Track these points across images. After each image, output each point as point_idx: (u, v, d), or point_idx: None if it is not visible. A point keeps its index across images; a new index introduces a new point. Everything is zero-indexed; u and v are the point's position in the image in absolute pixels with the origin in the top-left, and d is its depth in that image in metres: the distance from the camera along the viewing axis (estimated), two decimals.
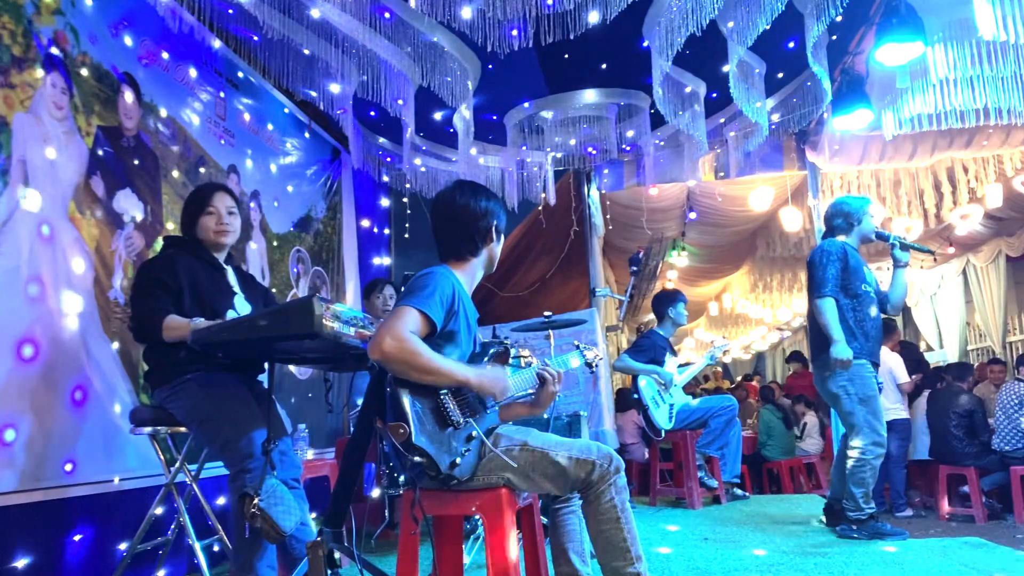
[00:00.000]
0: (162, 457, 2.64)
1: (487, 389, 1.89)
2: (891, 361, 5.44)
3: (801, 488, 7.14)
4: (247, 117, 4.64)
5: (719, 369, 15.78)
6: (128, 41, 3.54)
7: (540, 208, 6.47)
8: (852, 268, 3.68)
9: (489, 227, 2.08)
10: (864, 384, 3.60)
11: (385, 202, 6.90)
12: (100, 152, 3.23)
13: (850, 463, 3.60)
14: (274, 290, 4.59)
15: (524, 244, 6.97)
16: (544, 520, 2.20)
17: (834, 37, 4.67)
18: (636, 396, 4.95)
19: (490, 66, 4.67)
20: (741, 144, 5.82)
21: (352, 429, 2.23)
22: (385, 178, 6.13)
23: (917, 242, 8.09)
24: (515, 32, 3.95)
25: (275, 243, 4.85)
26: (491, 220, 2.08)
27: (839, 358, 3.51)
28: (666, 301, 5.29)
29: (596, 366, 2.30)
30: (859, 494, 3.55)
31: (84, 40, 3.20)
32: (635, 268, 5.90)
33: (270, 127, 4.94)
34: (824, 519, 3.91)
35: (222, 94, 4.34)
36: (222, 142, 4.30)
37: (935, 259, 10.20)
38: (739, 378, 15.26)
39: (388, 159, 5.91)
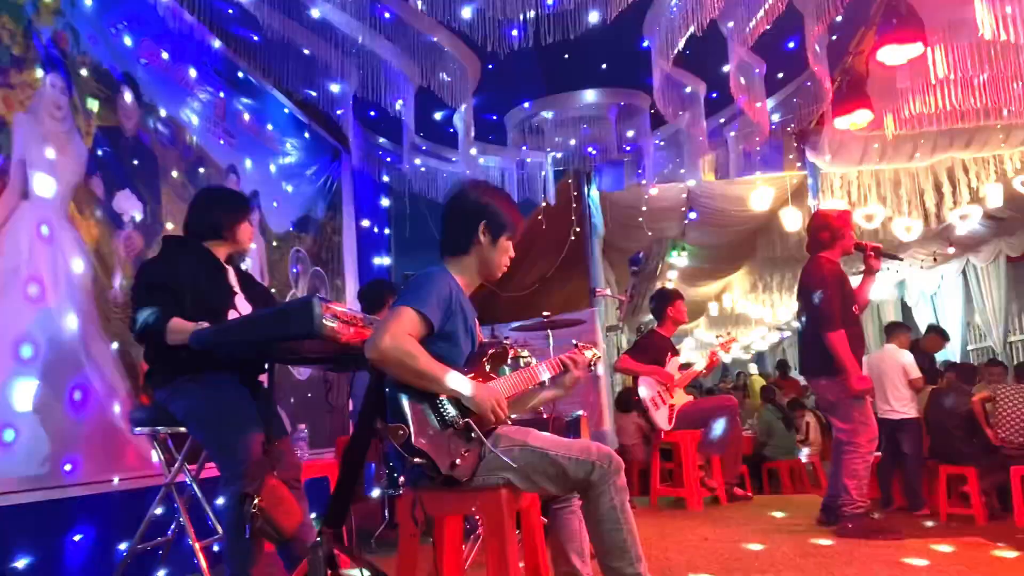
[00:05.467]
0: (162, 457, 2.64)
1: (479, 404, 1.85)
2: (903, 359, 5.42)
3: (801, 488, 7.13)
4: (247, 117, 4.64)
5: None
6: (128, 41, 3.54)
7: (540, 208, 6.46)
8: (846, 294, 3.85)
9: (475, 225, 2.02)
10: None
11: (385, 202, 6.89)
12: (99, 152, 3.23)
13: (846, 456, 3.73)
14: (274, 290, 4.58)
15: (524, 244, 6.97)
16: (544, 520, 2.20)
17: (834, 37, 4.67)
18: (637, 397, 4.94)
19: (490, 66, 4.67)
20: (741, 144, 5.81)
21: (352, 429, 2.23)
22: (385, 178, 6.12)
23: (917, 243, 8.11)
24: (515, 32, 3.95)
25: (275, 243, 4.85)
26: (479, 219, 2.03)
27: (861, 388, 3.71)
28: (664, 300, 5.28)
29: (595, 365, 2.29)
30: (853, 486, 3.66)
31: (84, 40, 3.20)
32: (635, 268, 5.90)
33: (270, 127, 4.94)
34: (822, 519, 3.92)
35: (222, 94, 4.34)
36: (222, 142, 4.30)
37: (935, 259, 10.22)
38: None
39: (388, 159, 5.91)
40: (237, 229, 2.64)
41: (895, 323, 6.03)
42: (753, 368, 16.18)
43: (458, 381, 1.84)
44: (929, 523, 4.83)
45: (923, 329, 12.05)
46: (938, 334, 6.77)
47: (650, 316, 11.08)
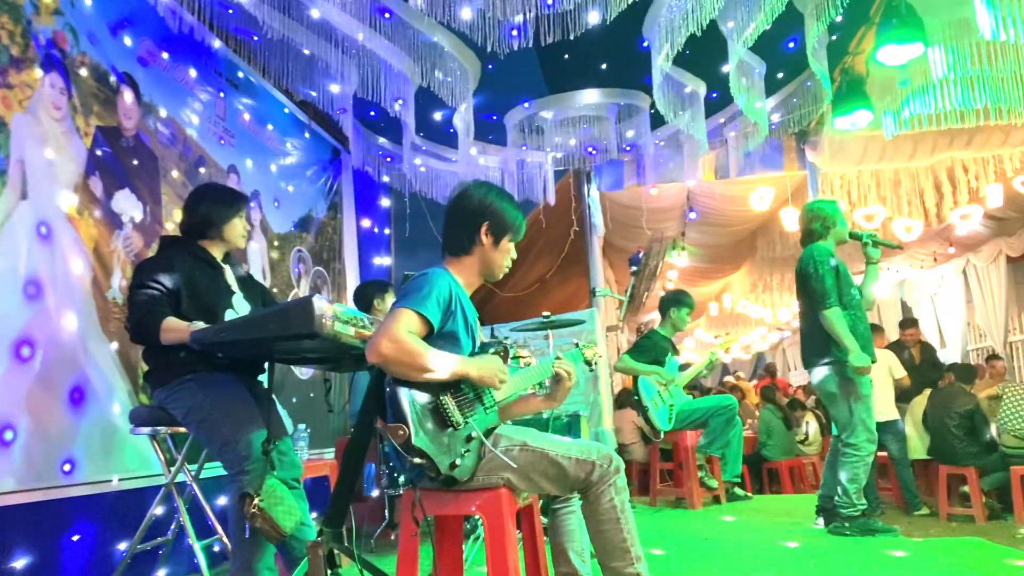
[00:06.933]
0: (162, 457, 2.63)
1: (486, 380, 1.90)
2: (887, 358, 5.43)
3: (801, 488, 7.14)
4: (247, 117, 4.64)
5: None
6: (128, 41, 3.54)
7: (540, 208, 6.47)
8: (842, 274, 3.77)
9: (477, 226, 2.02)
10: (861, 383, 3.68)
11: (385, 202, 6.90)
12: (99, 152, 3.23)
13: (845, 459, 3.67)
14: (275, 290, 4.59)
15: (524, 244, 6.95)
16: (544, 520, 2.20)
17: (834, 37, 4.67)
18: (636, 397, 4.94)
19: (490, 66, 4.67)
20: (741, 144, 5.82)
21: (352, 429, 2.23)
22: (385, 178, 6.13)
23: (917, 243, 8.09)
24: (515, 32, 3.95)
25: (276, 243, 4.85)
26: (482, 220, 2.02)
27: (859, 366, 3.59)
28: (671, 302, 5.27)
29: (595, 364, 2.29)
30: (852, 489, 3.62)
31: (83, 40, 3.20)
32: (635, 268, 5.90)
33: (270, 127, 4.94)
34: (818, 519, 3.91)
35: (222, 94, 4.34)
36: (222, 142, 4.30)
37: (935, 259, 10.22)
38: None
39: (388, 159, 5.91)
40: (225, 227, 2.60)
41: (872, 324, 6.03)
42: (727, 378, 16.17)
43: (460, 364, 1.86)
44: (929, 523, 4.83)
45: (924, 330, 12.10)
46: (908, 323, 6.78)
47: (650, 316, 11.04)
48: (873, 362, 3.73)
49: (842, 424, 3.72)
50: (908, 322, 6.82)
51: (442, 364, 1.82)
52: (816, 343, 3.76)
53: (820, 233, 3.89)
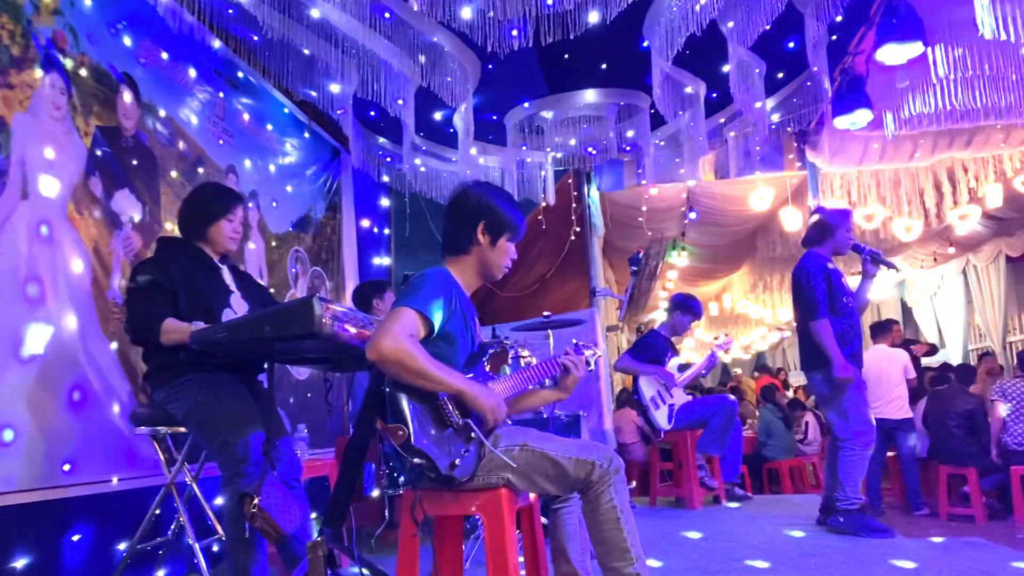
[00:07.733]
0: (162, 457, 2.63)
1: (480, 406, 1.85)
2: (903, 358, 5.44)
3: (801, 488, 7.14)
4: (246, 117, 4.63)
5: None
6: (127, 41, 3.54)
7: (540, 208, 6.47)
8: (834, 285, 3.83)
9: (475, 226, 2.01)
10: (852, 386, 3.73)
11: (385, 202, 6.89)
12: (98, 152, 3.23)
13: (842, 454, 3.75)
14: (272, 291, 4.58)
15: (524, 244, 6.94)
16: (544, 520, 2.20)
17: (834, 37, 4.67)
18: (636, 397, 4.94)
19: (490, 66, 4.67)
20: (741, 144, 5.82)
21: (352, 429, 2.23)
22: (385, 178, 6.12)
23: (917, 243, 8.12)
24: (515, 32, 3.95)
25: (274, 243, 4.85)
26: (479, 219, 2.02)
27: (840, 377, 3.66)
28: (678, 306, 5.27)
29: (595, 364, 2.29)
30: (849, 483, 3.69)
31: (83, 40, 3.20)
32: (635, 268, 5.89)
33: (269, 127, 4.94)
34: (821, 518, 3.92)
35: (221, 94, 4.34)
36: (221, 142, 4.29)
37: (935, 259, 10.21)
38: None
39: (388, 159, 5.91)
40: (209, 229, 2.58)
41: (881, 323, 6.04)
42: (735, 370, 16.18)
43: (459, 382, 1.84)
44: (929, 523, 4.83)
45: (924, 329, 12.11)
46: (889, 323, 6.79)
47: (650, 316, 11.04)
48: (860, 367, 3.81)
49: (837, 423, 3.81)
50: (889, 323, 6.84)
51: (439, 375, 1.79)
52: (810, 349, 3.83)
53: (818, 240, 3.96)
